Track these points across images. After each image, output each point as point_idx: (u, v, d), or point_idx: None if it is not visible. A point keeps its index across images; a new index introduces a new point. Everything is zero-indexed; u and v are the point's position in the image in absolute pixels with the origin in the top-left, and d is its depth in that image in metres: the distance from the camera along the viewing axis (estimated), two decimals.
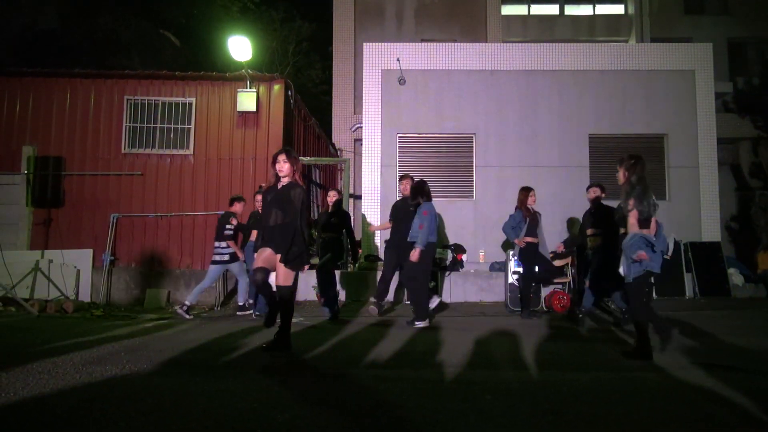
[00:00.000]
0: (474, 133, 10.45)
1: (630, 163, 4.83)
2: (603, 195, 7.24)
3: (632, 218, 4.78)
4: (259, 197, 6.93)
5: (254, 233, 7.26)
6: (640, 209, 4.75)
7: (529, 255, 7.32)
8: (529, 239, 7.28)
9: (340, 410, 3.09)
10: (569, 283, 8.64)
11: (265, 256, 4.76)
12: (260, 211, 6.63)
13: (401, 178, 7.49)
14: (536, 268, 7.47)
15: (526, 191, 7.43)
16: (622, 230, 5.11)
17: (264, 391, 3.53)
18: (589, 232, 7.13)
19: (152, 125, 10.01)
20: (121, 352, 4.85)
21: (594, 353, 4.98)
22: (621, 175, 4.93)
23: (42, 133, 9.89)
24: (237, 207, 7.98)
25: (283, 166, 4.96)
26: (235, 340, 5.54)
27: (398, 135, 10.50)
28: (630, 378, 3.92)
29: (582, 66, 10.60)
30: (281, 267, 4.72)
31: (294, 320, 5.34)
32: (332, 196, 7.54)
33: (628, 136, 10.46)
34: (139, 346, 5.14)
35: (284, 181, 4.99)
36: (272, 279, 4.84)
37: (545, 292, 8.47)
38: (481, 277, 9.40)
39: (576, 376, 3.97)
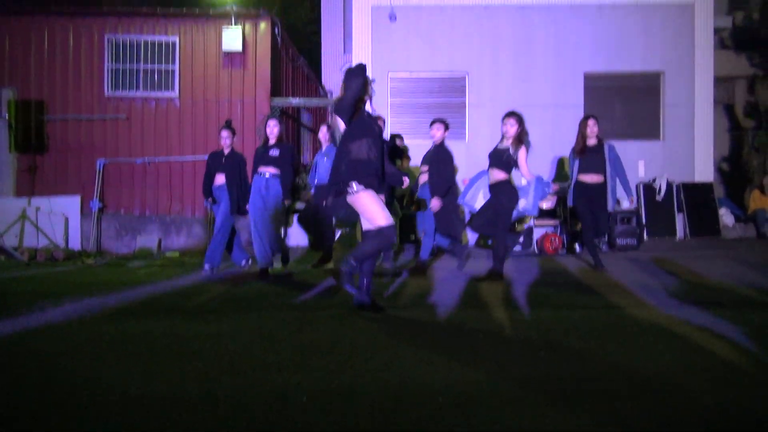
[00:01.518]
0: (467, 72, 10.20)
1: (520, 117, 5.53)
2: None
3: (527, 165, 5.52)
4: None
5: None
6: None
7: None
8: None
9: (330, 351, 3.09)
10: (561, 225, 8.65)
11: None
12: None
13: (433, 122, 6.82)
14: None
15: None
16: (502, 174, 5.50)
17: (256, 332, 3.53)
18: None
19: (135, 66, 9.68)
20: (112, 298, 4.82)
21: (584, 292, 5.01)
22: (510, 128, 5.50)
23: (21, 75, 9.54)
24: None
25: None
26: (227, 287, 5.53)
27: (389, 75, 10.23)
28: (621, 315, 3.94)
29: (578, 0, 10.26)
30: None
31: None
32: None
33: (624, 74, 10.24)
34: (130, 293, 5.12)
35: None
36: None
37: (537, 234, 8.49)
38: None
39: (567, 313, 3.99)
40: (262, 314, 4.07)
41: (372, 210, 3.94)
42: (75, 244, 9.20)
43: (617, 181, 6.35)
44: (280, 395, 2.34)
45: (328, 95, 14.33)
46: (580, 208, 6.28)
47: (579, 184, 6.26)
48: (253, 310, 4.22)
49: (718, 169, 14.84)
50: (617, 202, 6.69)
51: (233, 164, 6.56)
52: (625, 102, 10.33)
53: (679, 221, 9.71)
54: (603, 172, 6.22)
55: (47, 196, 9.25)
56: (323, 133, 7.13)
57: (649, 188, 9.72)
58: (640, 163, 10.07)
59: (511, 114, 5.61)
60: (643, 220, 9.35)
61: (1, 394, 2.40)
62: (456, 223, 6.30)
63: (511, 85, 10.09)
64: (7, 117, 9.33)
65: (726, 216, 10.00)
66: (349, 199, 3.97)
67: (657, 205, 9.66)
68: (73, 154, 9.53)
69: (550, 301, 4.57)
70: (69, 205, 9.31)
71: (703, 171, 10.22)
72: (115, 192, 9.55)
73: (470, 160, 10.09)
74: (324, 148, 6.97)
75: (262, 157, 6.19)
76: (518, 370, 2.69)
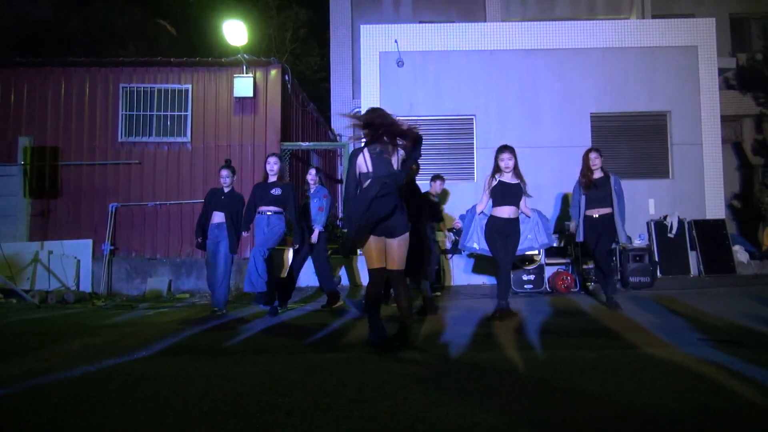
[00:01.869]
0: (474, 115, 10.32)
1: (514, 150, 5.77)
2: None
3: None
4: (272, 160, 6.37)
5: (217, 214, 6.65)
6: None
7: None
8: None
9: (342, 393, 3.02)
10: (572, 263, 8.57)
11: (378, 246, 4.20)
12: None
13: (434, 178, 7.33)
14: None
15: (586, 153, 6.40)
16: (515, 209, 5.73)
17: (265, 374, 3.47)
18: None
19: (149, 113, 9.89)
20: (120, 339, 4.79)
21: (599, 332, 4.91)
22: (509, 161, 5.71)
23: (38, 123, 9.78)
24: None
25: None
26: (235, 326, 5.48)
27: (397, 118, 10.35)
28: (637, 354, 3.85)
29: (583, 44, 10.43)
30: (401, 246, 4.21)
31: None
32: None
33: (630, 114, 10.32)
34: (139, 334, 5.09)
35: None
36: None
37: (549, 272, 8.40)
38: (487, 260, 9.31)
39: (582, 353, 3.90)
40: (272, 356, 4.01)
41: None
42: (86, 286, 9.22)
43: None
44: None
45: (338, 138, 14.51)
46: (591, 244, 6.22)
47: (588, 219, 6.20)
48: (263, 351, 4.17)
49: (729, 207, 14.75)
50: (629, 239, 6.60)
51: (233, 203, 6.62)
52: (632, 141, 10.37)
53: (693, 258, 9.59)
54: (610, 204, 6.15)
55: (60, 240, 9.33)
56: (312, 175, 7.17)
57: (660, 225, 9.66)
58: (650, 201, 10.04)
59: (505, 148, 5.69)
60: (656, 258, 9.25)
61: None
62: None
63: (519, 127, 10.18)
64: (22, 164, 9.52)
65: (740, 253, 9.87)
66: (403, 238, 4.16)
67: (669, 243, 9.57)
68: (86, 198, 9.66)
69: (564, 340, 4.48)
70: (81, 248, 9.38)
71: (714, 208, 10.16)
72: (126, 235, 9.62)
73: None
74: (312, 189, 7.05)
75: (263, 196, 6.20)
76: (534, 412, 2.61)
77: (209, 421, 2.55)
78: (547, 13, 17.93)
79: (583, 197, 6.25)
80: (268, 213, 6.15)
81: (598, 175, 6.23)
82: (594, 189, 6.18)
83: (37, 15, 16.36)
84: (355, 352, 4.14)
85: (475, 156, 10.26)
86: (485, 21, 16.07)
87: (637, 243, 9.00)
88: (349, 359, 3.90)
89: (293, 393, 3.04)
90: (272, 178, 6.32)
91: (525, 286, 8.18)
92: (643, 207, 10.01)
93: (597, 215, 6.16)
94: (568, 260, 8.50)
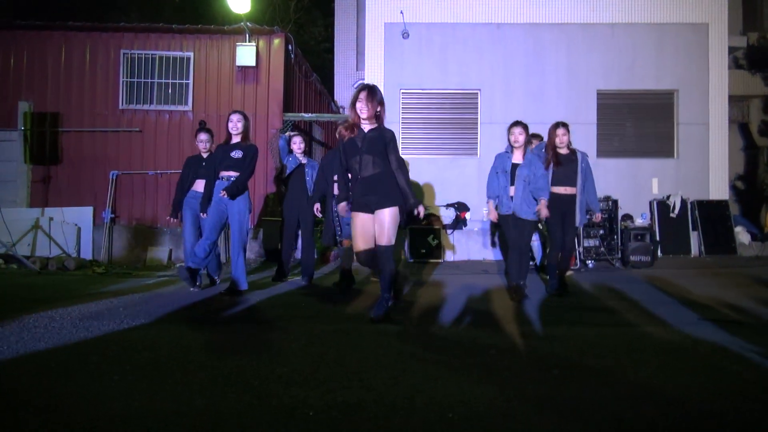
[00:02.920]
0: (479, 89, 10.18)
1: (526, 126, 5.61)
2: None
3: None
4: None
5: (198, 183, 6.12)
6: None
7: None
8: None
9: (340, 366, 3.03)
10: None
11: (363, 227, 4.27)
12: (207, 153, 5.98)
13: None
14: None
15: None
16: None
17: (264, 344, 3.47)
18: None
19: (150, 80, 9.76)
20: (119, 307, 4.79)
21: (598, 310, 4.91)
22: (519, 135, 5.55)
23: (38, 88, 9.66)
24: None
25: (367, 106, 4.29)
26: (236, 297, 5.48)
27: (401, 91, 10.24)
28: (636, 333, 3.85)
29: (591, 19, 10.24)
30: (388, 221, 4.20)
31: None
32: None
33: (638, 92, 10.18)
34: (139, 302, 5.09)
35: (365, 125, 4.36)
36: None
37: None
38: (485, 235, 9.31)
39: (581, 331, 3.90)
40: (272, 326, 4.01)
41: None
42: (86, 253, 9.22)
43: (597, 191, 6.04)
44: (286, 410, 2.29)
45: (340, 110, 14.39)
46: (552, 223, 5.77)
47: (553, 196, 5.68)
48: (262, 321, 4.17)
49: (733, 188, 14.66)
50: (589, 218, 6.21)
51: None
52: (638, 120, 10.26)
53: (694, 238, 9.56)
54: (575, 183, 5.80)
55: (60, 207, 9.31)
56: (298, 144, 6.86)
57: (663, 205, 9.61)
58: (654, 180, 9.97)
59: (518, 123, 5.56)
60: (657, 237, 9.23)
61: (7, 406, 2.37)
62: None
63: (524, 102, 10.06)
64: (23, 129, 9.44)
65: (742, 234, 9.84)
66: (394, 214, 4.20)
67: (671, 222, 9.53)
68: (87, 166, 9.60)
69: (563, 317, 4.47)
70: (82, 215, 9.35)
71: (718, 189, 10.09)
72: (127, 203, 9.59)
73: (482, 177, 10.03)
74: (304, 159, 6.82)
75: (223, 159, 5.58)
76: (532, 389, 2.61)
77: (208, 390, 2.54)
78: None
79: (549, 172, 5.80)
80: (230, 180, 5.52)
81: (564, 151, 5.84)
82: (560, 166, 5.80)
83: None
84: (353, 324, 4.14)
85: (479, 131, 10.16)
86: None
87: (639, 222, 8.96)
88: (347, 331, 3.90)
89: (292, 363, 3.04)
90: (235, 139, 5.68)
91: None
92: (646, 186, 9.95)
93: (563, 193, 5.76)
94: None
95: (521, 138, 5.50)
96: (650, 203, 9.74)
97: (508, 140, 5.64)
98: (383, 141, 4.27)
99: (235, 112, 5.80)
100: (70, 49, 9.74)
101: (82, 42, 9.75)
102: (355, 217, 4.29)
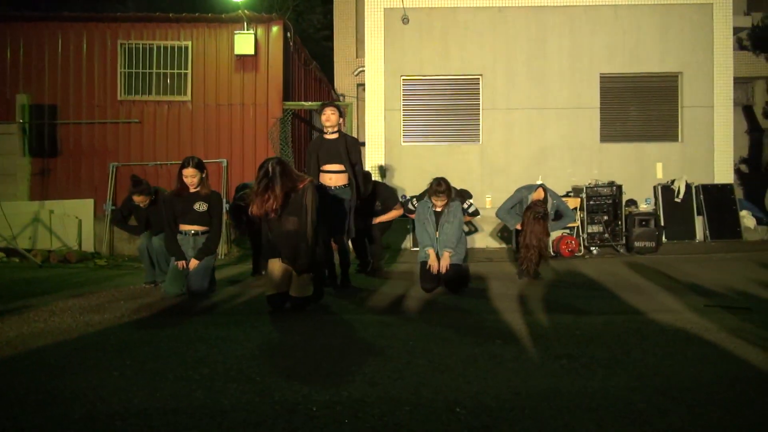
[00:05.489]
0: (481, 74, 10.06)
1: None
2: None
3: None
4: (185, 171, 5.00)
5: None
6: None
7: None
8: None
9: (344, 357, 2.98)
10: (578, 227, 8.48)
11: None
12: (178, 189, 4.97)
13: None
14: None
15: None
16: None
17: (266, 337, 3.42)
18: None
19: (148, 71, 9.66)
20: (120, 300, 4.75)
21: (605, 297, 4.85)
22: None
23: (35, 80, 9.57)
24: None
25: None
26: (238, 290, 5.44)
27: (402, 77, 10.12)
28: (644, 321, 3.79)
29: (594, 1, 10.09)
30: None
31: None
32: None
33: (641, 75, 10.05)
34: (139, 295, 5.05)
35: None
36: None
37: (554, 236, 8.31)
38: (487, 223, 9.24)
39: (588, 320, 3.84)
40: (274, 318, 3.96)
41: None
42: (88, 246, 9.19)
43: None
44: (289, 406, 2.24)
45: (340, 98, 14.28)
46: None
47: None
48: (264, 314, 4.12)
49: (738, 171, 14.54)
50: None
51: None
52: (642, 103, 10.13)
53: (699, 223, 9.48)
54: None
55: (60, 200, 9.26)
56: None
57: (667, 190, 9.51)
58: (659, 165, 9.87)
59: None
60: (662, 222, 9.15)
61: (3, 402, 2.32)
62: None
63: (526, 87, 9.94)
64: (21, 122, 9.36)
65: (747, 218, 9.75)
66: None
67: (675, 207, 9.44)
68: (86, 158, 9.54)
69: (569, 306, 4.42)
70: (82, 208, 9.30)
71: (723, 173, 9.98)
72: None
73: (484, 163, 9.96)
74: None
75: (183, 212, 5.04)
76: (540, 380, 2.56)
77: (208, 385, 2.50)
78: None
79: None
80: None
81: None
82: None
83: None
84: (356, 315, 4.10)
85: (480, 117, 10.05)
86: None
87: (644, 207, 8.88)
88: (350, 323, 3.85)
89: (294, 356, 2.99)
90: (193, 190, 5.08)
91: None
92: (650, 171, 9.85)
93: None
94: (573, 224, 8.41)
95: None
96: (654, 188, 9.65)
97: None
98: None
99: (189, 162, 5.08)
100: (67, 40, 9.64)
101: (78, 33, 9.64)
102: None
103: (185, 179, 4.98)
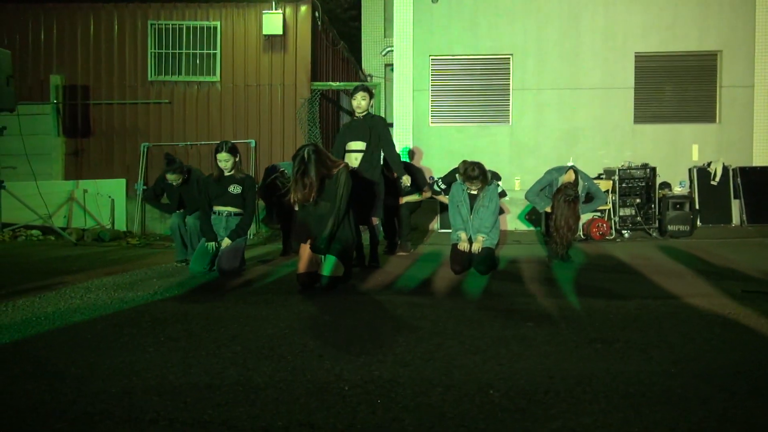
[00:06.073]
0: (511, 54, 9.86)
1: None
2: None
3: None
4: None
5: None
6: None
7: None
8: None
9: (375, 337, 2.97)
10: (609, 210, 8.33)
11: None
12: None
13: None
14: None
15: None
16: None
17: (297, 316, 3.44)
18: None
19: (177, 51, 9.72)
20: (153, 278, 4.83)
21: (638, 281, 4.75)
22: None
23: (68, 61, 9.72)
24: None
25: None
26: (268, 269, 5.49)
27: (431, 57, 9.99)
28: (679, 305, 3.70)
29: None
30: None
31: None
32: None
33: (678, 54, 9.73)
34: (171, 273, 5.13)
35: None
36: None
37: (584, 219, 8.17)
38: (517, 205, 9.13)
39: (621, 303, 3.77)
40: (304, 298, 3.98)
41: None
42: (120, 225, 9.38)
43: None
44: (321, 384, 2.24)
45: (368, 79, 14.19)
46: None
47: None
48: (295, 293, 4.15)
49: None
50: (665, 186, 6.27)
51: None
52: (678, 83, 9.83)
53: (736, 207, 9.22)
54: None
55: (94, 179, 9.45)
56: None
57: (703, 172, 9.26)
58: (694, 146, 9.60)
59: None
60: (697, 206, 8.92)
61: (43, 376, 2.38)
62: None
63: (558, 67, 9.71)
64: (55, 102, 9.53)
65: None
66: None
67: (711, 190, 9.18)
68: (118, 138, 9.70)
69: (602, 289, 4.34)
70: (115, 187, 9.49)
71: (762, 155, 9.66)
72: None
73: (514, 145, 9.81)
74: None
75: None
76: (574, 364, 2.51)
77: (241, 362, 2.52)
78: None
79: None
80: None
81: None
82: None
83: None
84: (385, 296, 4.09)
85: (511, 98, 9.87)
86: None
87: (678, 190, 8.67)
88: (380, 303, 3.85)
89: (325, 335, 3.00)
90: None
91: None
92: (686, 153, 9.59)
93: None
94: (605, 207, 8.25)
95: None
96: (689, 170, 9.40)
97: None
98: None
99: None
100: (98, 21, 9.75)
101: (109, 13, 9.74)
102: None
103: (219, 163, 5.13)
